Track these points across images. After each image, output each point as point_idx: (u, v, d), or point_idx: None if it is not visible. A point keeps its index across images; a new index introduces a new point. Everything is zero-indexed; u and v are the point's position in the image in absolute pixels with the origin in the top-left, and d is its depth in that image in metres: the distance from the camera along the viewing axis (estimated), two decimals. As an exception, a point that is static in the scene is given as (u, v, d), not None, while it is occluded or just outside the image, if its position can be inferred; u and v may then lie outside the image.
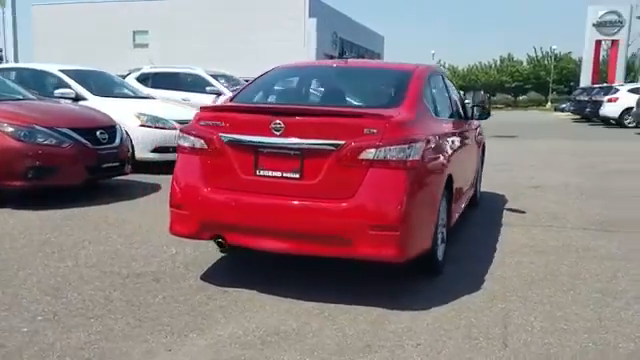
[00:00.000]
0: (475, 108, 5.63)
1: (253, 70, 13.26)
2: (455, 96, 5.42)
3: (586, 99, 26.62)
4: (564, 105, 47.26)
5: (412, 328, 3.20)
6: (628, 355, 2.87)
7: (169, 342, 3.04)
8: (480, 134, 6.36)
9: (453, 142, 4.45)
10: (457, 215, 4.75)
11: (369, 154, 3.34)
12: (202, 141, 3.70)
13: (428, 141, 3.65)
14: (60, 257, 4.35)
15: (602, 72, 44.51)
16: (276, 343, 3.04)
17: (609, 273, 4.13)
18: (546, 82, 60.20)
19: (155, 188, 7.10)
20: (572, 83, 59.47)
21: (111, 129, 6.48)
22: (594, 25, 43.05)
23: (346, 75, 4.72)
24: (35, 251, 4.47)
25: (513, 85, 62.06)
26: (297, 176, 3.49)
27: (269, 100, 4.37)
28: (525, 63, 63.88)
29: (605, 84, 30.18)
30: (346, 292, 3.70)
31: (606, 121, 23.75)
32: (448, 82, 5.31)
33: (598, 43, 43.60)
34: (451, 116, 4.94)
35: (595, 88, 27.42)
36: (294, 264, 4.14)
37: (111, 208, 6.01)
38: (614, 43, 43.33)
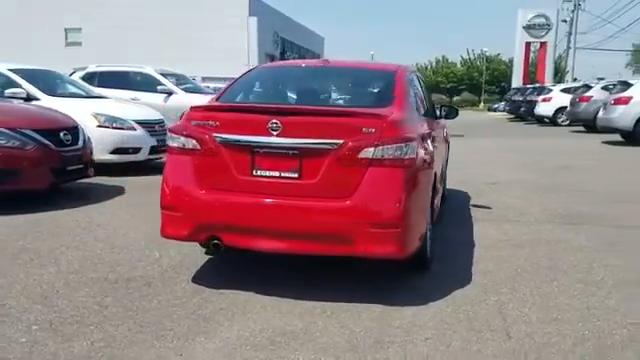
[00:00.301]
0: (443, 107, 5.79)
1: (195, 69, 13.12)
2: (427, 95, 5.56)
3: (521, 99, 27.80)
4: (497, 105, 49.15)
5: (416, 323, 3.27)
6: (623, 342, 3.03)
7: (177, 347, 2.98)
8: (447, 132, 6.55)
9: (434, 140, 4.57)
10: (437, 211, 4.88)
11: (368, 153, 3.39)
12: (194, 141, 3.64)
13: (420, 139, 3.75)
14: (40, 264, 4.18)
15: (531, 73, 46.51)
16: (286, 343, 3.04)
17: (585, 264, 4.35)
18: (479, 83, 62.41)
19: (119, 191, 6.91)
20: (503, 84, 61.87)
21: (74, 130, 6.24)
22: (524, 28, 44.94)
23: (332, 75, 4.76)
24: (12, 258, 4.27)
25: (448, 86, 63.99)
26: (296, 176, 3.50)
27: (258, 100, 4.34)
28: (459, 65, 65.98)
29: (538, 84, 31.56)
30: (341, 290, 3.73)
31: (540, 120, 24.89)
32: (422, 82, 5.44)
33: (528, 45, 45.54)
34: (427, 115, 5.07)
35: (529, 88, 28.65)
36: (284, 264, 4.15)
37: (79, 212, 5.80)
38: (542, 45, 45.41)
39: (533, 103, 24.91)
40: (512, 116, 30.70)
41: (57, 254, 4.41)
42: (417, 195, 3.61)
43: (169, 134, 3.82)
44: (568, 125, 22.06)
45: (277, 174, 3.53)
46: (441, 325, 3.24)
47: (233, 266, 4.27)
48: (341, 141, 3.41)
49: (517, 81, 43.87)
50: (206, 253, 4.42)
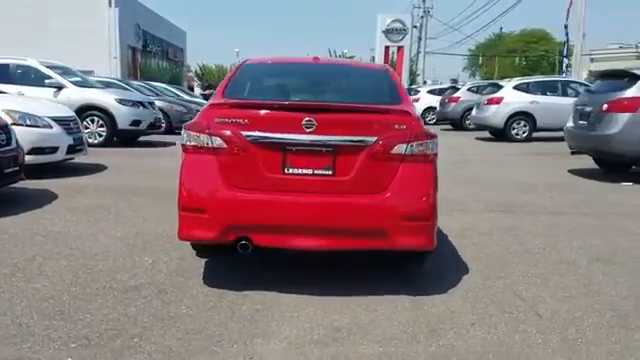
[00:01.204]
0: None
1: (55, 60, 12.23)
2: None
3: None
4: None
5: (452, 310, 3.45)
6: (630, 311, 3.48)
7: (241, 351, 2.91)
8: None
9: None
10: None
11: (401, 149, 3.52)
12: (220, 140, 3.51)
13: None
14: (26, 277, 3.77)
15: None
16: (346, 338, 3.08)
17: (551, 247, 4.82)
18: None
19: (51, 195, 6.33)
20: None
21: (6, 129, 5.58)
22: (383, 32, 47.47)
23: (332, 73, 4.79)
24: (-14, 273, 3.79)
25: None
26: (330, 173, 3.52)
27: (270, 97, 4.24)
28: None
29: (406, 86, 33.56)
30: (355, 284, 3.81)
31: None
32: None
33: (387, 49, 48.17)
34: None
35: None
36: (289, 261, 4.15)
37: (25, 219, 5.26)
38: (400, 49, 48.31)
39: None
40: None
41: (38, 266, 3.99)
42: (436, 189, 3.80)
43: (189, 132, 3.62)
44: (435, 124, 23.77)
45: (310, 171, 3.52)
46: (475, 310, 3.46)
47: (236, 267, 4.16)
48: (375, 138, 3.49)
49: (377, 82, 46.06)
50: (198, 255, 4.28)
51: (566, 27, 22.79)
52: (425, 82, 47.39)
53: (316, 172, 3.52)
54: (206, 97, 23.82)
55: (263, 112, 3.60)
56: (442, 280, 3.96)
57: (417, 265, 4.16)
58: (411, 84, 44.25)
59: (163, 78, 34.66)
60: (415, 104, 24.88)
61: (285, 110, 3.59)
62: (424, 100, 24.86)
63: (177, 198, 3.66)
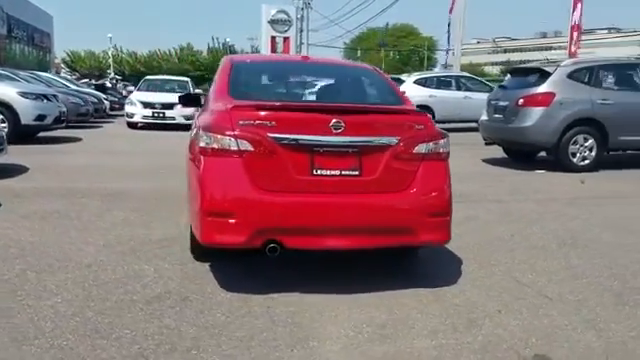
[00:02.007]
0: None
1: None
2: None
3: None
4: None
5: (472, 300, 3.65)
6: (621, 290, 3.87)
7: (305, 354, 2.92)
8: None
9: None
10: None
11: (422, 148, 3.67)
12: (246, 142, 3.45)
13: None
14: (32, 294, 3.47)
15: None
16: (395, 334, 3.17)
17: (517, 233, 5.23)
18: (224, 72, 63.48)
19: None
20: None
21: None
22: (269, 22, 47.43)
23: (329, 72, 4.79)
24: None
25: (196, 74, 63.74)
26: (357, 173, 3.59)
27: (276, 98, 4.18)
28: (205, 53, 66.16)
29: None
30: (369, 280, 3.90)
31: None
32: None
33: (273, 39, 48.20)
34: None
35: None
36: (293, 262, 4.15)
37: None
38: (286, 40, 48.57)
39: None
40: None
41: (36, 281, 3.68)
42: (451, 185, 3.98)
43: (207, 134, 3.51)
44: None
45: (338, 172, 3.56)
46: (492, 299, 3.68)
47: (244, 270, 4.08)
48: (398, 137, 3.61)
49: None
50: (197, 260, 4.17)
51: (449, 25, 24.24)
52: None
53: (343, 173, 3.57)
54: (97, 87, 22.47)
55: (291, 114, 3.58)
56: (444, 271, 4.18)
57: (411, 257, 4.37)
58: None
59: (29, 65, 32.05)
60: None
61: (313, 112, 3.60)
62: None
63: (197, 202, 3.55)
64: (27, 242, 4.46)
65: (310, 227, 3.53)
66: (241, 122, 3.48)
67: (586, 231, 5.39)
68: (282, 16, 49.00)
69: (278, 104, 3.68)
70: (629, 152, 9.94)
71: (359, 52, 71.73)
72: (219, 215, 3.47)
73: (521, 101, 9.14)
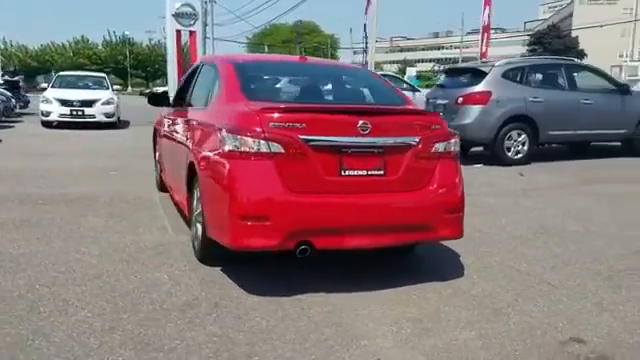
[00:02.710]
0: None
1: None
2: None
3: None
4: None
5: (488, 291, 3.83)
6: (610, 274, 4.23)
7: (363, 352, 2.98)
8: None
9: None
10: None
11: (438, 147, 3.83)
12: (278, 144, 3.44)
13: None
14: (55, 310, 3.28)
15: (186, 61, 48.13)
16: (435, 327, 3.28)
17: (492, 225, 5.55)
18: (124, 67, 61.18)
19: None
20: (149, 68, 62.17)
21: None
22: (173, 16, 45.93)
23: (334, 74, 4.82)
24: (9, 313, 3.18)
25: (93, 68, 60.70)
26: (381, 173, 3.68)
27: (291, 99, 4.15)
28: (101, 46, 63.24)
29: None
30: (381, 278, 3.99)
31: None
32: None
33: (178, 32, 46.72)
34: None
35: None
36: (305, 263, 4.11)
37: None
38: (192, 34, 47.22)
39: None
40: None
41: (51, 296, 3.47)
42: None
43: (236, 137, 3.46)
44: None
45: (364, 172, 3.64)
46: (505, 289, 3.88)
47: (260, 272, 4.05)
48: (419, 137, 3.75)
49: (173, 67, 44.83)
50: (207, 264, 4.09)
51: (365, 26, 24.88)
52: None
53: (370, 173, 3.66)
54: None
55: (320, 115, 3.60)
56: (447, 265, 4.34)
57: (411, 255, 4.53)
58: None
59: None
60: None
61: (340, 113, 3.64)
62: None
63: (226, 206, 3.51)
64: (18, 254, 4.18)
65: (340, 227, 3.59)
66: (271, 124, 3.46)
67: (550, 221, 5.81)
68: (187, 9, 47.28)
69: (308, 106, 3.69)
70: (554, 145, 10.78)
71: (266, 48, 71.52)
72: (252, 219, 3.44)
73: (460, 99, 9.62)
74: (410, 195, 3.77)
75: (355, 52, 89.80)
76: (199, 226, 4.13)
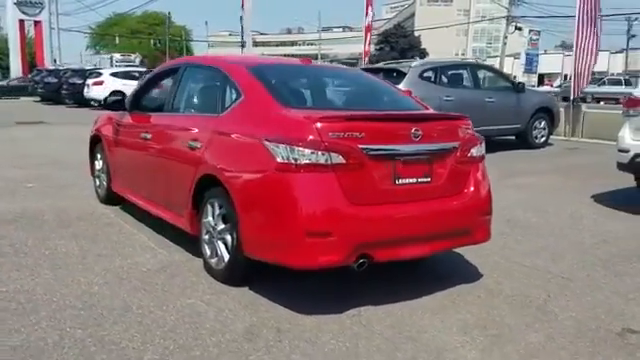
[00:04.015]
0: None
1: None
2: None
3: (56, 81, 26.54)
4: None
5: (518, 288, 3.96)
6: (602, 263, 4.57)
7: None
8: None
9: None
10: None
11: (473, 151, 3.88)
12: (339, 155, 3.27)
13: None
14: (107, 355, 2.81)
15: (31, 53, 43.92)
16: (504, 332, 3.32)
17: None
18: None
19: None
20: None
21: None
22: (15, 4, 41.61)
23: (346, 77, 4.63)
24: None
25: None
26: (429, 180, 3.65)
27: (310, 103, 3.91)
28: None
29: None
30: (406, 286, 3.92)
31: (86, 103, 24.29)
32: None
33: (22, 23, 42.49)
34: None
35: (67, 70, 27.63)
36: (325, 276, 3.93)
37: None
38: (37, 24, 43.18)
39: (78, 86, 24.31)
40: (39, 99, 28.66)
41: (89, 339, 3.01)
42: None
43: (290, 148, 3.25)
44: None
45: (414, 180, 3.59)
46: (529, 285, 4.03)
47: (283, 289, 3.80)
48: (458, 143, 3.78)
49: (17, 61, 40.93)
50: (225, 283, 3.79)
51: (241, 18, 24.51)
52: (55, 61, 43.55)
53: (419, 180, 3.62)
54: None
55: (377, 123, 3.49)
56: (457, 268, 4.34)
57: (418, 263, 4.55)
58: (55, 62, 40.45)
59: None
60: (98, 87, 23.37)
61: (395, 121, 3.54)
62: (108, 84, 23.39)
63: (287, 224, 3.29)
64: (12, 293, 3.51)
65: (398, 238, 3.51)
66: (331, 134, 3.29)
67: (510, 213, 6.10)
68: (32, -4, 43.48)
69: (365, 114, 3.55)
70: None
71: (117, 39, 67.57)
72: (318, 235, 3.26)
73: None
74: (453, 200, 3.78)
75: (211, 45, 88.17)
76: (221, 244, 3.80)
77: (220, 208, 3.80)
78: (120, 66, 34.94)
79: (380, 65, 12.67)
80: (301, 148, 3.23)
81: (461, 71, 10.91)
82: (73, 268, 4.03)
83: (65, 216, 5.43)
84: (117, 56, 50.09)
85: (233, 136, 3.75)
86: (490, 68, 12.00)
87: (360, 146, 3.33)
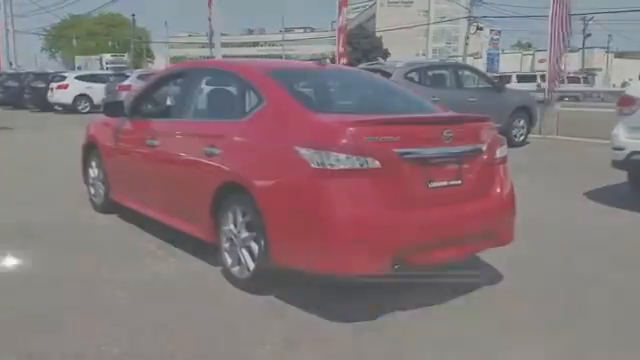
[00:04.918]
0: None
1: None
2: None
3: (17, 85, 25.66)
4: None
5: (549, 288, 3.96)
6: (606, 262, 4.66)
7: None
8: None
9: None
10: None
11: (498, 153, 3.86)
12: (375, 159, 3.22)
13: None
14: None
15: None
16: (573, 332, 3.33)
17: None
18: None
19: None
20: None
21: None
22: (-33, 5, 40.02)
23: (359, 79, 4.57)
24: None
25: None
26: (459, 182, 3.63)
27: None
28: None
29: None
30: (426, 291, 3.80)
31: (49, 107, 23.59)
32: None
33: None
34: None
35: (28, 74, 26.77)
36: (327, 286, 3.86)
37: None
38: (-12, 26, 41.50)
39: (41, 90, 23.60)
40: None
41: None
42: None
43: (325, 153, 3.19)
44: (88, 112, 22.11)
45: (445, 183, 3.56)
46: (552, 284, 4.04)
47: (309, 295, 3.69)
48: (485, 144, 3.76)
49: None
50: (247, 291, 3.68)
51: (209, 19, 24.17)
52: (10, 64, 42.14)
53: (450, 183, 3.60)
54: None
55: (411, 127, 3.45)
56: (471, 263, 4.27)
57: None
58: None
59: None
60: (63, 91, 22.69)
61: (428, 124, 3.51)
62: (73, 87, 22.80)
63: (325, 231, 3.23)
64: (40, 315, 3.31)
65: (432, 242, 3.48)
66: (366, 138, 3.23)
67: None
68: (-17, -3, 41.91)
69: (399, 117, 3.51)
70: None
71: (75, 41, 65.98)
72: (356, 242, 3.20)
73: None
74: (481, 202, 3.74)
75: (171, 46, 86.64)
76: (245, 252, 3.71)
77: (244, 216, 3.70)
78: (110, 68, 34.43)
79: (363, 66, 12.66)
80: (336, 153, 3.17)
81: (444, 71, 11.01)
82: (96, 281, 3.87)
83: (66, 227, 5.21)
84: (108, 57, 48.84)
85: (257, 142, 3.66)
86: (471, 68, 12.15)
87: (395, 150, 3.29)
